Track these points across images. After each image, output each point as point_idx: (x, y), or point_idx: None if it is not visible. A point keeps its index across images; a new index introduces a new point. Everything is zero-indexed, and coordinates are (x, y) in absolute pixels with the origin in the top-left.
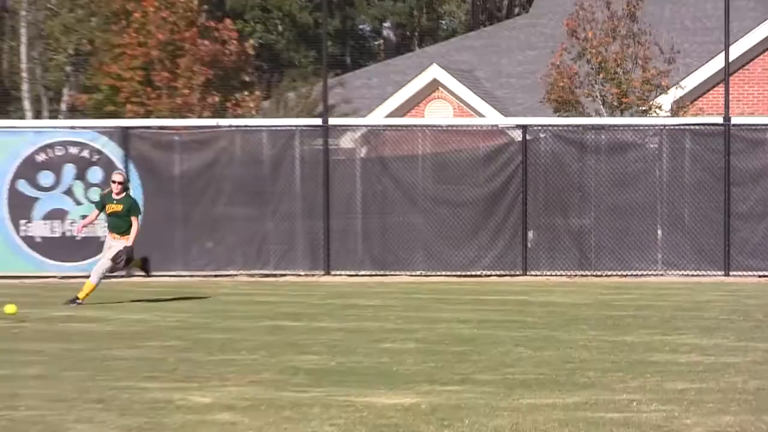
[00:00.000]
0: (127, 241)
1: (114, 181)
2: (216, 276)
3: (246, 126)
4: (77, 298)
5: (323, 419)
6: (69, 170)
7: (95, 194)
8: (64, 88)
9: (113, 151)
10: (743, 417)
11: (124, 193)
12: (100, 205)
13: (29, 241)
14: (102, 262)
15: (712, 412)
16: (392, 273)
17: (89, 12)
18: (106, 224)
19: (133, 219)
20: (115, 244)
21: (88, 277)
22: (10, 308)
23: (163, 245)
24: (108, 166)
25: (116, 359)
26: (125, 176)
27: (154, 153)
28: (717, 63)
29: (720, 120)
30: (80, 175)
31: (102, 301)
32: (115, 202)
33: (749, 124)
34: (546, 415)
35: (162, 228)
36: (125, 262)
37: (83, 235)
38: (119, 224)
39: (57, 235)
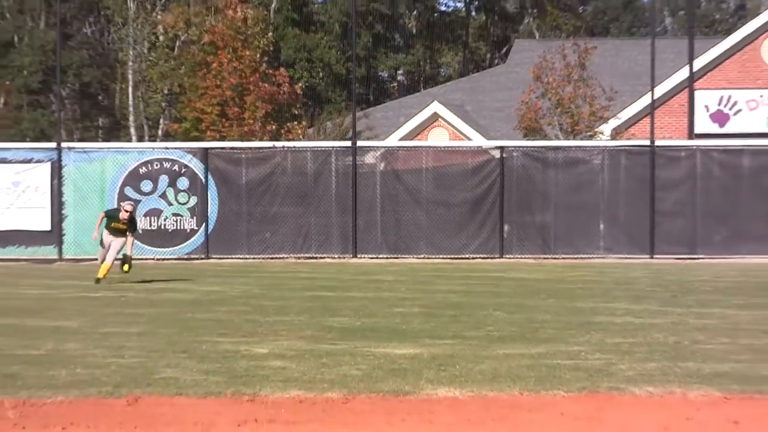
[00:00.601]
0: (125, 238)
1: (126, 210)
2: (271, 258)
3: (295, 147)
4: (99, 279)
5: (351, 365)
6: (163, 180)
7: (183, 198)
8: (161, 119)
9: (197, 166)
10: (664, 363)
11: (129, 219)
12: (109, 218)
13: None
14: (111, 253)
15: (641, 360)
16: (403, 256)
17: (179, 62)
18: (108, 231)
19: (130, 234)
20: (114, 241)
21: (174, 259)
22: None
23: (232, 236)
24: (192, 177)
25: (196, 320)
26: (133, 208)
27: (227, 167)
28: (645, 100)
29: (647, 142)
30: (171, 183)
31: (186, 278)
32: (121, 222)
33: (668, 146)
34: (517, 362)
35: (232, 222)
36: (122, 261)
37: (172, 228)
38: (119, 234)
39: (154, 228)
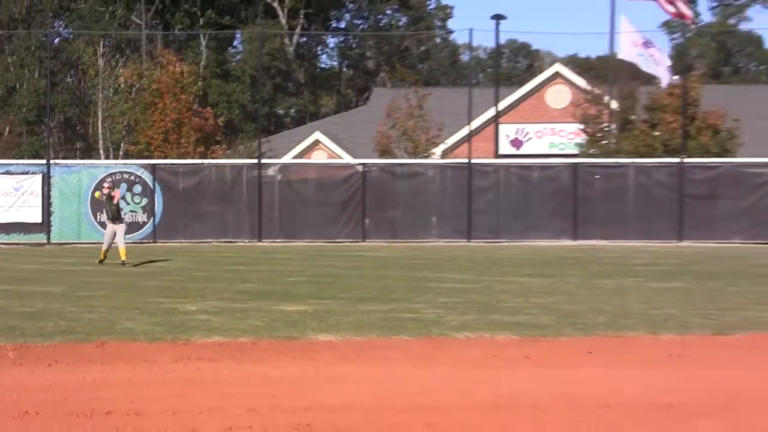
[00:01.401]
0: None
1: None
2: (201, 242)
3: (217, 163)
4: (124, 262)
5: (256, 318)
6: (123, 186)
7: (137, 199)
8: (122, 143)
9: (147, 177)
10: (477, 316)
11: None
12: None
13: (101, 225)
14: (120, 236)
15: (461, 314)
16: (294, 241)
17: (135, 103)
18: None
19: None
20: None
21: (131, 243)
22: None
23: (172, 226)
24: (144, 185)
25: (146, 287)
26: (110, 191)
27: (169, 177)
28: (464, 131)
29: (466, 161)
30: (129, 189)
31: (139, 257)
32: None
33: (481, 163)
34: (374, 316)
35: (172, 217)
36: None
37: (129, 221)
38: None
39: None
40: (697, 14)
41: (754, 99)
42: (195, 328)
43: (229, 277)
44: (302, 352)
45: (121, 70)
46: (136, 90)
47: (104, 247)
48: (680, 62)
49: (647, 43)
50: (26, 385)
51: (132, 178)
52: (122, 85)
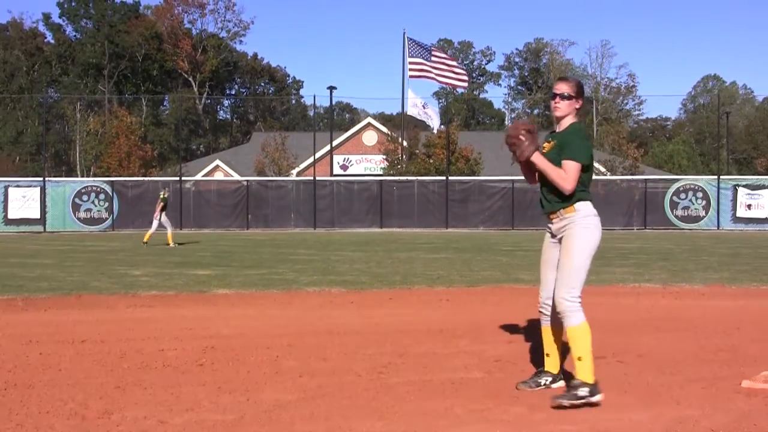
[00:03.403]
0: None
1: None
2: (143, 231)
3: (153, 179)
4: (169, 243)
5: (179, 279)
6: (93, 195)
7: (102, 203)
8: (92, 166)
9: (108, 188)
10: (320, 276)
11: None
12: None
13: (79, 219)
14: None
15: (310, 275)
16: (204, 229)
17: (100, 142)
18: (162, 210)
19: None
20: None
21: (98, 231)
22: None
23: (126, 220)
24: (106, 194)
25: (108, 259)
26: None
27: (123, 189)
28: (310, 159)
29: (311, 178)
30: (96, 196)
31: (103, 240)
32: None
33: (323, 180)
34: (254, 277)
35: (126, 214)
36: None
37: (97, 217)
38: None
39: (89, 217)
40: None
41: (489, 140)
42: (139, 286)
43: (161, 253)
44: (208, 301)
45: (90, 120)
46: (101, 133)
47: (171, 230)
48: (445, 116)
49: (425, 105)
50: (30, 324)
51: (98, 189)
52: (91, 130)
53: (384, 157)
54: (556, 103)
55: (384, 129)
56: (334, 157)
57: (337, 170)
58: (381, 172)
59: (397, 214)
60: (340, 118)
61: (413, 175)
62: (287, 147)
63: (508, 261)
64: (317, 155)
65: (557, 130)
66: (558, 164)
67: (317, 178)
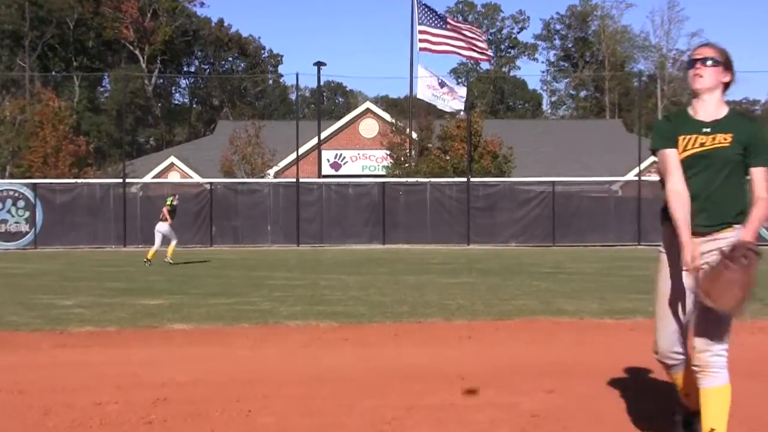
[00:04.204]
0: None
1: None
2: (75, 248)
3: (88, 182)
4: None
5: (122, 311)
6: (9, 201)
7: (21, 212)
8: (8, 165)
9: (30, 194)
10: (305, 307)
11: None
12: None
13: None
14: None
15: (292, 305)
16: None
17: (18, 133)
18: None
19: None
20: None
21: (15, 249)
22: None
23: (51, 234)
24: (27, 200)
25: (28, 285)
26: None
27: (48, 194)
28: (293, 156)
29: (294, 180)
30: (14, 203)
31: (22, 261)
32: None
33: (306, 182)
34: (220, 308)
35: (50, 227)
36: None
37: (14, 230)
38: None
39: (3, 230)
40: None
41: (522, 131)
42: (70, 320)
43: (99, 276)
44: (160, 339)
45: (6, 105)
46: (20, 121)
47: (174, 243)
48: (466, 101)
49: (442, 84)
50: None
51: (16, 194)
52: (7, 117)
53: (387, 152)
54: (697, 70)
55: (387, 116)
56: (324, 152)
57: (326, 170)
58: (383, 172)
59: (404, 226)
60: (330, 102)
61: (425, 176)
62: (262, 140)
63: (548, 287)
64: (301, 150)
65: (699, 113)
66: (737, 165)
67: (301, 180)
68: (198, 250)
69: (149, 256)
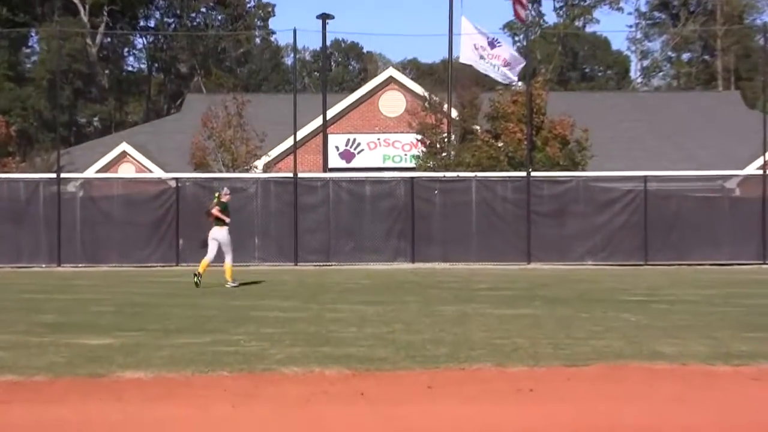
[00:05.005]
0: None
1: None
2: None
3: (9, 178)
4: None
5: (55, 354)
6: None
7: None
8: None
9: None
10: (306, 348)
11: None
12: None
13: None
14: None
15: (288, 346)
16: (98, 265)
17: None
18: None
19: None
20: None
21: None
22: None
23: None
24: None
25: None
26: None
27: None
28: (289, 142)
29: (291, 175)
30: None
31: None
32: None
33: (308, 177)
34: (189, 349)
35: None
36: None
37: None
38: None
39: None
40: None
41: (602, 107)
42: None
43: (24, 307)
44: (107, 392)
45: None
46: None
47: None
48: (525, 67)
49: (492, 44)
50: None
51: None
52: None
53: (418, 137)
54: None
55: (417, 88)
56: (331, 137)
57: (335, 161)
58: (412, 164)
59: (440, 239)
60: (340, 70)
61: (469, 169)
62: (247, 120)
63: (639, 321)
64: (300, 135)
65: None
66: None
67: (301, 176)
68: (159, 271)
69: (201, 269)
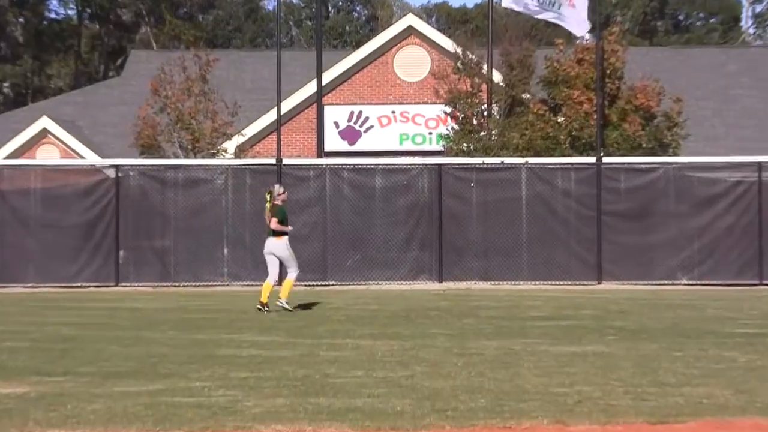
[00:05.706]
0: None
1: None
2: None
3: None
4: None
5: None
6: None
7: None
8: None
9: None
10: (293, 399)
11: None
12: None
13: None
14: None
15: (268, 396)
16: (8, 285)
17: None
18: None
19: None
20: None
21: None
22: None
23: None
24: None
25: None
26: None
27: None
28: (271, 116)
29: (273, 161)
30: None
31: None
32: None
33: (296, 165)
34: (134, 400)
35: None
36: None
37: None
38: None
39: None
40: None
41: (700, 69)
42: None
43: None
44: None
45: None
46: None
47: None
48: (594, 14)
49: None
50: None
51: None
52: None
53: (447, 110)
54: None
55: (446, 42)
56: (328, 110)
57: (333, 142)
58: (439, 146)
59: (477, 249)
60: (340, 17)
61: (517, 154)
62: (214, 86)
63: (749, 360)
64: (286, 106)
65: None
66: None
67: (287, 162)
68: (93, 293)
69: (263, 298)
